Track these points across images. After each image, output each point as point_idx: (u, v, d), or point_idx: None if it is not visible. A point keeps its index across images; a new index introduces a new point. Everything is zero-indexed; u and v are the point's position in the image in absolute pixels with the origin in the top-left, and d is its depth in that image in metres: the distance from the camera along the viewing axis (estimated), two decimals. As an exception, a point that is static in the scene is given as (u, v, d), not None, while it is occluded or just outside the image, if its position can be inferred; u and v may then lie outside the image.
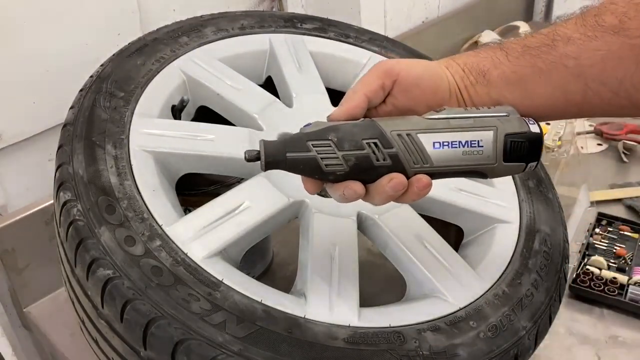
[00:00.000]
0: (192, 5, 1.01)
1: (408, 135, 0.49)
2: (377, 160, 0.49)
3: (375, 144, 0.49)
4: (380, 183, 0.49)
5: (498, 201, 0.71)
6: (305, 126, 0.51)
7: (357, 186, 0.49)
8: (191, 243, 0.54)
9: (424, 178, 0.50)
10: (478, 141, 0.50)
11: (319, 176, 0.50)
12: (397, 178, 0.49)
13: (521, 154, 0.51)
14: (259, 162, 0.49)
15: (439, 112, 0.51)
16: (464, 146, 0.50)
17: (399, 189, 0.49)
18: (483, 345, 0.55)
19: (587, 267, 0.86)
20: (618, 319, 0.80)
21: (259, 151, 0.49)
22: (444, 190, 0.70)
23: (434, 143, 0.50)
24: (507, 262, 0.64)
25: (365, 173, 0.49)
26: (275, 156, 0.49)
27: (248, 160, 0.49)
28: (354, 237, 0.62)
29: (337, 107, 0.53)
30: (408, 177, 0.49)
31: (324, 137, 0.49)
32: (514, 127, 0.51)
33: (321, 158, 0.48)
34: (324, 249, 0.59)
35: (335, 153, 0.48)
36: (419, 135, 0.50)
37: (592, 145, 1.20)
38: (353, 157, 0.48)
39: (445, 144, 0.50)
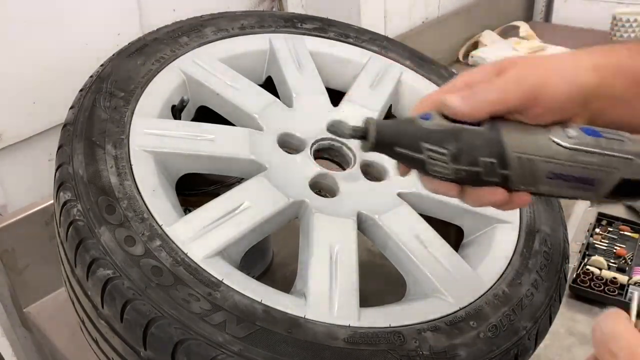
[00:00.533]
0: (192, 5, 1.01)
1: (529, 160, 0.46)
2: (487, 176, 0.46)
3: (492, 163, 0.45)
4: (481, 192, 0.47)
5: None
6: (423, 117, 0.46)
7: (453, 188, 0.47)
8: (191, 243, 0.54)
9: (526, 196, 0.48)
10: (593, 180, 0.47)
11: (420, 171, 0.47)
12: (500, 194, 0.47)
13: (626, 193, 0.48)
14: (354, 139, 0.46)
15: (566, 129, 0.47)
16: (577, 181, 0.47)
17: (498, 203, 0.47)
18: (483, 345, 0.55)
19: (587, 267, 0.86)
20: (618, 319, 0.80)
21: (364, 129, 0.45)
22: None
23: (550, 173, 0.47)
24: (507, 262, 0.64)
25: (468, 182, 0.47)
26: (383, 144, 0.45)
27: (351, 136, 0.46)
28: (354, 237, 0.62)
29: (461, 99, 0.46)
30: (510, 191, 0.47)
31: (441, 144, 0.45)
32: (634, 173, 0.47)
33: (430, 163, 0.45)
34: (324, 249, 0.59)
35: (446, 164, 0.45)
36: (539, 163, 0.46)
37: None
38: (464, 172, 0.45)
39: (561, 176, 0.47)
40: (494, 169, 0.45)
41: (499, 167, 0.45)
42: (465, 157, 0.44)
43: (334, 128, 0.47)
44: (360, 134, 0.46)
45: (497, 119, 0.46)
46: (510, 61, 0.48)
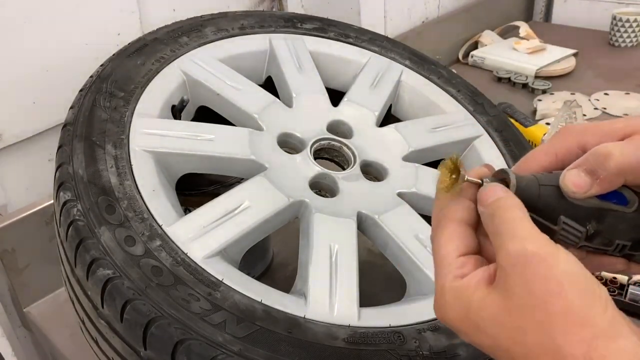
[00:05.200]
0: (192, 5, 1.01)
1: None
2: (613, 252, 0.41)
3: (624, 245, 0.40)
4: (602, 260, 0.42)
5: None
6: (545, 175, 0.40)
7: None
8: (191, 243, 0.54)
9: None
10: None
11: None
12: (621, 265, 0.42)
13: None
14: None
15: None
16: None
17: (615, 272, 0.43)
18: (483, 345, 0.55)
19: (587, 267, 0.86)
20: (618, 319, 0.80)
21: (504, 179, 0.40)
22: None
23: None
24: (507, 262, 0.64)
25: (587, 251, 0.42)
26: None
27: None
28: (354, 237, 0.62)
29: (583, 182, 0.38)
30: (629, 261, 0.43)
31: (582, 223, 0.39)
32: None
33: (560, 235, 0.39)
34: (324, 249, 0.59)
35: (578, 241, 0.39)
36: None
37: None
38: (591, 248, 0.40)
39: None
40: (624, 249, 0.41)
41: (631, 248, 0.41)
42: (600, 239, 0.39)
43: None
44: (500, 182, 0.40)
45: None
46: (637, 124, 0.39)
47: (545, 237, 0.34)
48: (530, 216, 0.37)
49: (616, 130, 0.39)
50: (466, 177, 0.39)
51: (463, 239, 0.38)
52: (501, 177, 0.40)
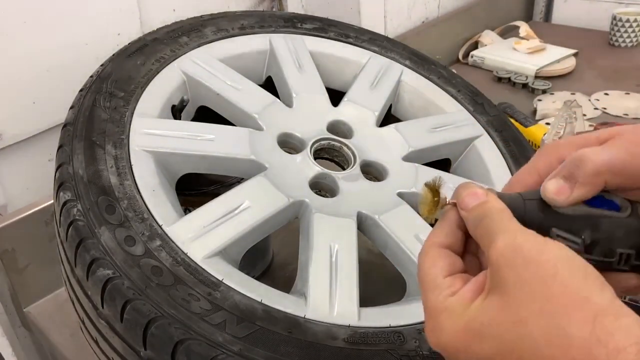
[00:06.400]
0: (192, 5, 1.01)
1: None
2: (619, 265, 0.39)
3: (629, 255, 0.39)
4: (614, 278, 0.39)
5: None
6: (526, 194, 0.40)
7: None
8: (191, 243, 0.54)
9: None
10: None
11: None
12: (634, 280, 0.40)
13: None
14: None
15: None
16: None
17: (630, 289, 0.41)
18: (483, 345, 0.55)
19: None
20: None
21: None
22: (444, 190, 0.69)
23: None
24: (507, 262, 0.64)
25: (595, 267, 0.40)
26: None
27: None
28: (354, 237, 0.62)
29: (562, 190, 0.38)
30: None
31: (576, 233, 0.38)
32: None
33: None
34: (324, 249, 0.59)
35: (577, 253, 0.37)
36: None
37: (592, 145, 1.20)
38: (593, 262, 0.37)
39: None
40: (629, 259, 0.39)
41: (637, 258, 0.39)
42: (601, 248, 0.38)
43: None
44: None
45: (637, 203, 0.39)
46: (614, 130, 0.40)
47: (534, 232, 0.34)
48: None
49: (591, 139, 0.39)
50: (447, 199, 0.39)
51: (447, 260, 0.37)
52: None
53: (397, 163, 0.72)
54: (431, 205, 0.39)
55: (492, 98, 0.89)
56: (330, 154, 0.72)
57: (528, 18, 1.94)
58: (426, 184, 0.40)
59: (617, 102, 1.32)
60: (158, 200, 0.57)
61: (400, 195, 0.68)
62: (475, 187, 0.38)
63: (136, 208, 0.55)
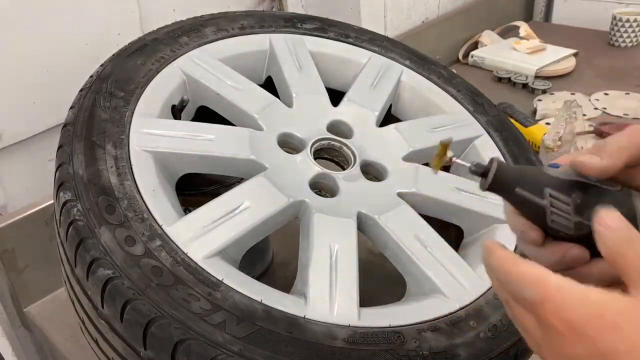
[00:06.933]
0: (192, 5, 1.01)
1: None
2: None
3: None
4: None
5: (498, 200, 0.71)
6: (552, 165, 0.43)
7: (582, 253, 0.42)
8: (191, 243, 0.54)
9: None
10: None
11: (536, 223, 0.43)
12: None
13: None
14: (479, 177, 0.43)
15: None
16: None
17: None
18: (483, 345, 0.55)
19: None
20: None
21: (488, 168, 0.42)
22: (444, 190, 0.70)
23: None
24: (507, 262, 0.64)
25: (589, 243, 0.41)
26: (504, 183, 0.42)
27: (472, 172, 0.43)
28: (354, 237, 0.62)
29: (594, 157, 0.41)
30: None
31: (567, 192, 0.41)
32: None
33: (551, 212, 0.41)
34: (324, 249, 0.59)
35: (569, 215, 0.41)
36: None
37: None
38: (588, 228, 0.40)
39: None
40: None
41: None
42: (591, 213, 0.40)
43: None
44: (482, 171, 0.43)
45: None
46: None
47: None
48: (519, 193, 0.41)
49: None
50: (453, 159, 0.44)
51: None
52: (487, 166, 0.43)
53: (397, 163, 0.72)
54: (438, 158, 0.44)
55: (492, 98, 0.89)
56: (330, 154, 0.72)
57: (528, 18, 1.94)
58: (441, 142, 0.44)
59: (617, 102, 1.32)
60: (158, 200, 0.57)
61: (400, 195, 0.68)
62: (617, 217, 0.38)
63: (136, 208, 0.55)
